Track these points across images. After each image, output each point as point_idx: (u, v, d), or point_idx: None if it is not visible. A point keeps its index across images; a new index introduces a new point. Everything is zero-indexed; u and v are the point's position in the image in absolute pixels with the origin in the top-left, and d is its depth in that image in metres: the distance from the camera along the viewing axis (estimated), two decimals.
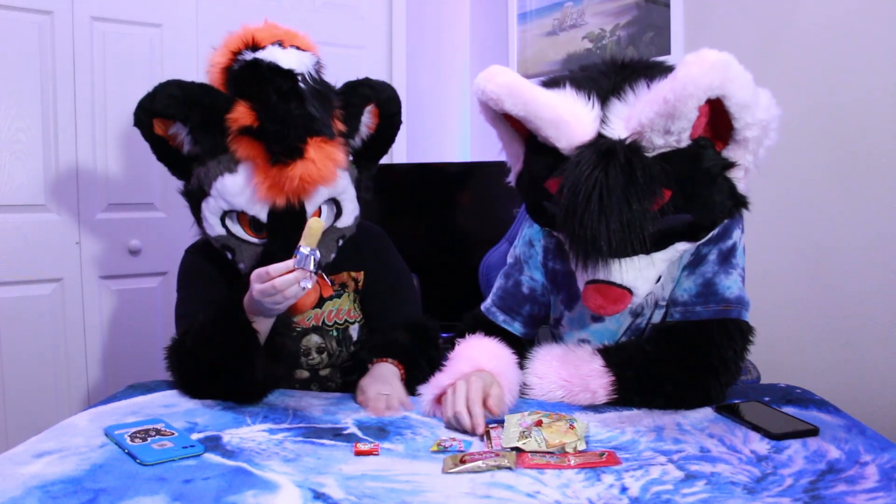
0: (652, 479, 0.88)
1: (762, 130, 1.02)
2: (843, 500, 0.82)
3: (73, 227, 2.05)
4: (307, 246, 1.09)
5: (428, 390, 1.15)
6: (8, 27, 1.91)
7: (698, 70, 0.93)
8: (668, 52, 1.97)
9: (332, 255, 1.34)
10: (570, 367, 1.18)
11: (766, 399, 1.17)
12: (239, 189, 1.22)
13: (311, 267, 1.09)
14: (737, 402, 1.14)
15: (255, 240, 1.27)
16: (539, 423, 1.01)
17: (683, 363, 1.13)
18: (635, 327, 1.24)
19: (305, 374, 1.45)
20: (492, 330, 1.28)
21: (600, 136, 1.03)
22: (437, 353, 1.36)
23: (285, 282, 1.09)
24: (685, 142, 1.01)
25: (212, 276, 1.36)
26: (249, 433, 1.06)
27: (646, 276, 1.07)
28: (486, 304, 1.35)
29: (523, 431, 0.99)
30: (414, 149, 2.63)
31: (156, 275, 2.19)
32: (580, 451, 0.96)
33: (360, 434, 1.06)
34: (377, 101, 1.37)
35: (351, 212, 1.35)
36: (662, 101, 0.96)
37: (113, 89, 2.07)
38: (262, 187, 1.20)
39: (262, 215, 1.24)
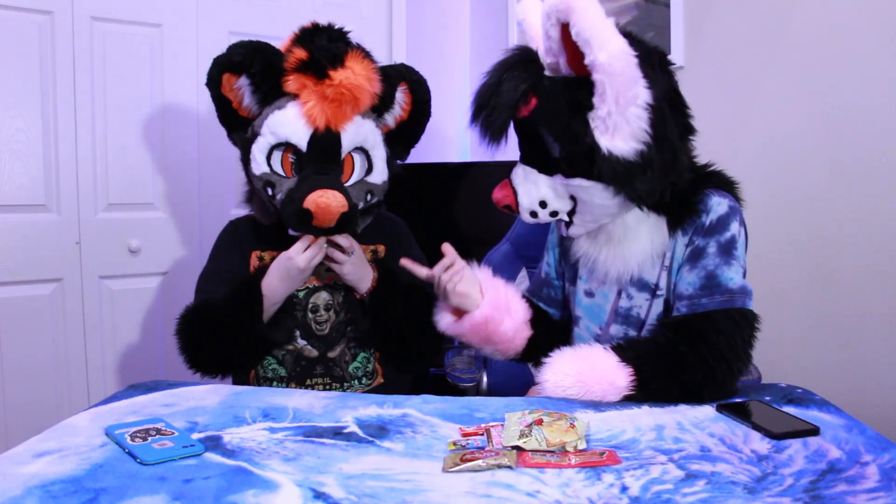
0: (652, 479, 0.88)
1: (607, 75, 1.06)
2: (844, 499, 0.82)
3: (73, 227, 2.05)
4: None
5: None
6: (8, 27, 1.91)
7: None
8: (668, 52, 1.97)
9: (361, 204, 1.45)
10: (587, 364, 1.18)
11: (767, 398, 1.17)
12: (286, 120, 1.37)
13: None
14: (738, 401, 1.14)
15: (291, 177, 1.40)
16: (539, 422, 1.01)
17: (697, 354, 1.14)
18: (624, 312, 1.28)
19: (314, 352, 1.47)
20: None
21: None
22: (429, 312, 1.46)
23: (321, 242, 1.39)
24: (566, 69, 1.14)
25: (243, 250, 1.50)
26: (249, 433, 1.06)
27: (528, 188, 1.21)
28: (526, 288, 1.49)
29: (523, 430, 0.99)
30: (414, 149, 2.62)
31: (156, 275, 2.19)
32: (580, 451, 0.96)
33: (360, 433, 1.06)
34: (409, 81, 1.51)
35: (381, 171, 1.48)
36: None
37: (113, 89, 2.07)
38: (307, 107, 1.35)
39: (304, 143, 1.37)
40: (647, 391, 1.15)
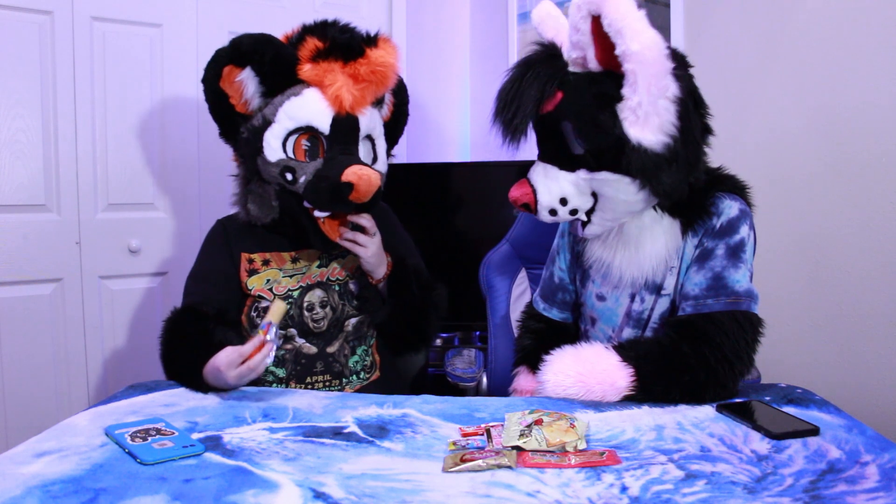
0: (652, 479, 0.88)
1: (640, 65, 1.06)
2: (844, 499, 0.82)
3: (73, 227, 2.05)
4: (274, 323, 1.26)
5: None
6: (8, 27, 1.91)
7: None
8: None
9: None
10: (587, 364, 1.18)
11: (767, 399, 1.17)
12: (305, 104, 1.36)
13: (278, 341, 1.26)
14: (737, 401, 1.14)
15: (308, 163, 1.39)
16: (539, 422, 1.01)
17: (699, 355, 1.14)
18: (636, 315, 1.27)
19: (313, 349, 1.47)
20: (539, 317, 1.46)
21: None
22: (431, 295, 1.52)
23: (257, 361, 1.22)
24: (593, 64, 1.14)
25: (232, 251, 1.48)
26: (249, 433, 1.06)
27: (549, 185, 1.19)
28: (535, 294, 1.51)
29: (523, 430, 0.99)
30: (414, 149, 2.63)
31: (156, 275, 2.19)
32: (580, 451, 0.96)
33: (360, 433, 1.06)
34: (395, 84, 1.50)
35: (383, 161, 1.50)
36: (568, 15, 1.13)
37: (113, 89, 2.07)
38: (333, 88, 1.34)
39: (326, 126, 1.37)
40: (647, 391, 1.15)
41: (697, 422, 1.07)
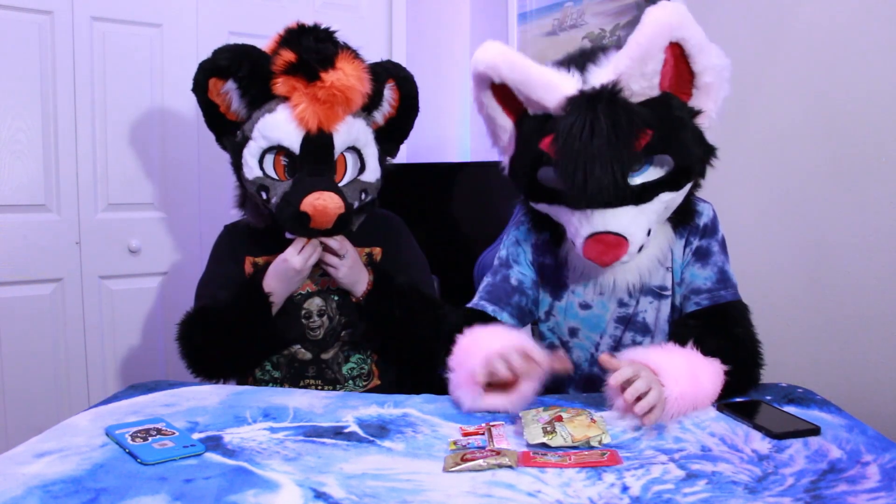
0: (653, 479, 0.88)
1: (717, 77, 1.11)
2: (845, 499, 0.82)
3: (73, 227, 2.05)
4: None
5: (462, 388, 1.13)
6: (8, 27, 1.91)
7: (662, 13, 1.06)
8: None
9: (356, 204, 1.44)
10: (695, 380, 1.09)
11: (768, 398, 1.17)
12: (277, 123, 1.35)
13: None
14: (738, 400, 1.14)
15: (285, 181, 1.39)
16: (560, 419, 1.01)
17: (748, 336, 1.19)
18: (627, 318, 1.28)
19: (308, 355, 1.47)
20: (487, 318, 1.29)
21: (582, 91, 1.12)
22: (425, 315, 1.48)
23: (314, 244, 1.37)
24: (656, 90, 1.11)
25: (238, 256, 1.50)
26: (250, 432, 1.06)
27: (638, 223, 1.12)
28: (473, 301, 1.36)
29: (545, 427, 0.99)
30: (414, 149, 2.63)
31: (156, 275, 2.19)
32: (580, 451, 0.96)
33: (360, 432, 1.06)
34: (396, 77, 1.49)
35: (374, 169, 1.46)
36: (635, 46, 1.07)
37: (113, 89, 2.07)
38: (298, 109, 1.33)
39: (296, 146, 1.35)
40: (730, 390, 1.13)
41: (698, 421, 1.07)
